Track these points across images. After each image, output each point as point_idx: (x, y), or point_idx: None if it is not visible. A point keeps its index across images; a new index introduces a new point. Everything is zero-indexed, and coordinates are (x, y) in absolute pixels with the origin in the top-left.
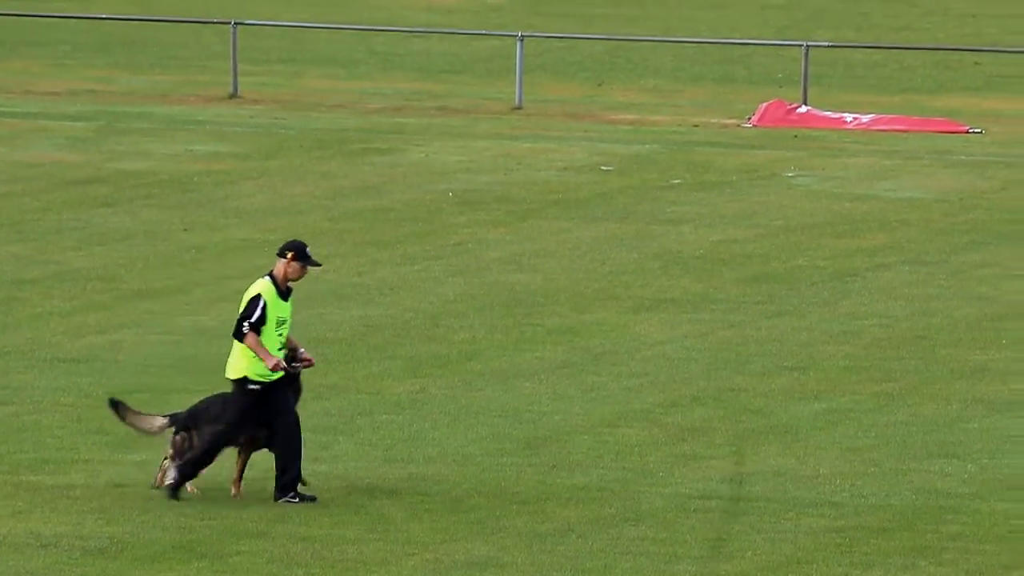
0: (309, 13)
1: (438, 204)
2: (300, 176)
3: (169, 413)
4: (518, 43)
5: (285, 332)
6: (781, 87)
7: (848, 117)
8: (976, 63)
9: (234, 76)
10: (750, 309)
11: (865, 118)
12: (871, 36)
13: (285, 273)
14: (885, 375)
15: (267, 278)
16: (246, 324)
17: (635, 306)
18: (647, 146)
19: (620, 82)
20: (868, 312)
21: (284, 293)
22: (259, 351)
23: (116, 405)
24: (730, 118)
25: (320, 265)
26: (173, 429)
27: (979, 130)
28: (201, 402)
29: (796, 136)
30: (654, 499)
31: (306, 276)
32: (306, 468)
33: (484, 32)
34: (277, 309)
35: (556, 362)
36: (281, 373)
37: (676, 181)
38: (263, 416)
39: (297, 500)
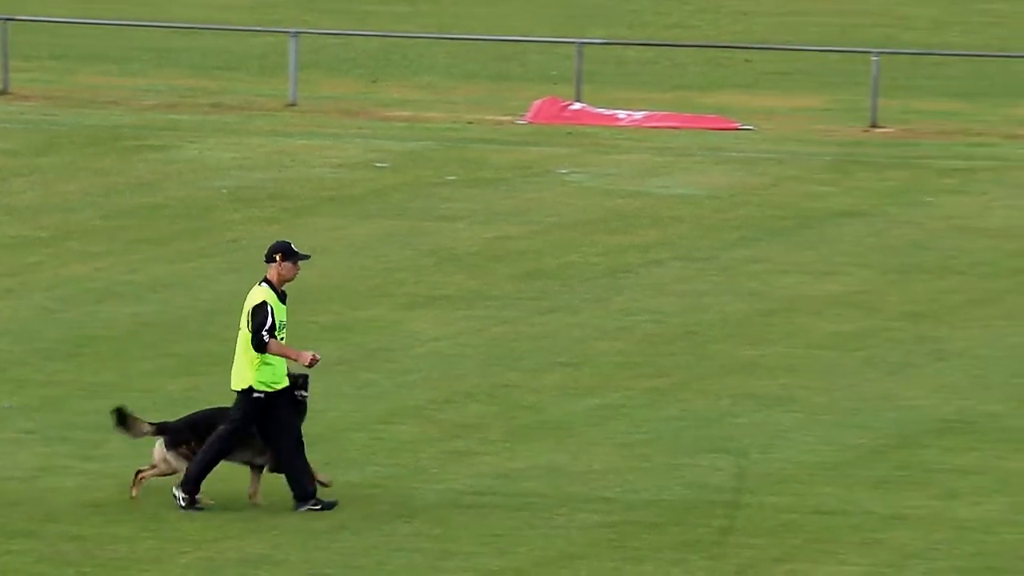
0: (81, 9)
1: (212, 201)
2: (73, 173)
3: (157, 422)
4: (292, 39)
5: (285, 335)
6: (555, 84)
7: (621, 114)
8: (747, 60)
9: (4, 72)
10: (524, 305)
11: (638, 115)
12: (643, 33)
13: (280, 275)
14: (657, 371)
15: (265, 285)
16: (265, 333)
17: (409, 303)
18: (421, 143)
19: (394, 79)
20: (640, 308)
21: (281, 296)
22: (288, 353)
23: (120, 414)
24: (504, 115)
25: (309, 257)
26: (163, 440)
27: (750, 127)
28: (196, 414)
29: (570, 133)
30: (427, 495)
31: (87, 272)
32: (78, 467)
33: (258, 28)
34: (279, 313)
35: (330, 359)
36: (286, 383)
37: (450, 178)
38: (267, 428)
39: (319, 507)
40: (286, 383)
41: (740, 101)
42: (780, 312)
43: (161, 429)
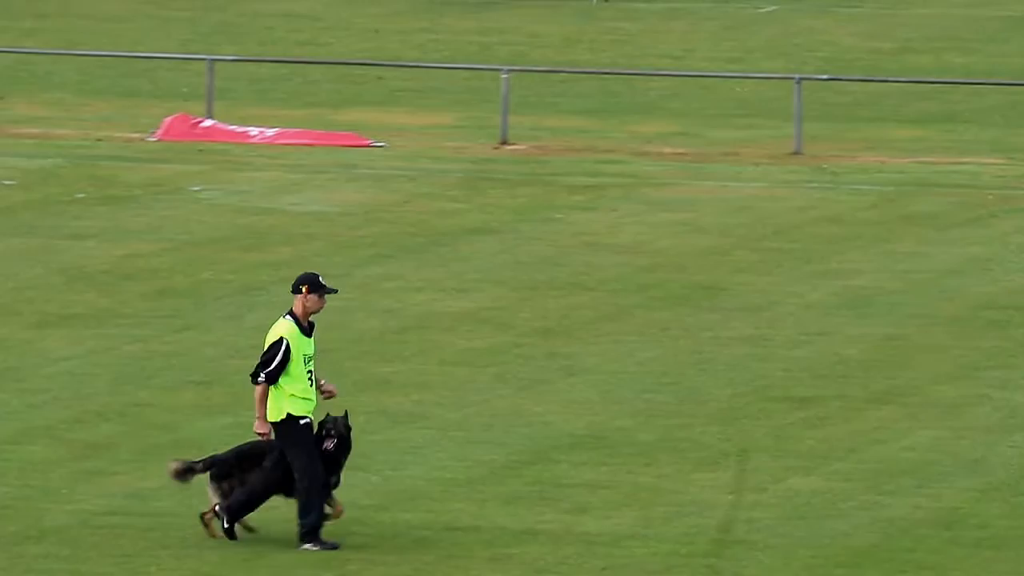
0: None
1: None
2: None
3: (193, 460)
4: None
5: (313, 367)
6: (187, 101)
7: (253, 131)
8: (379, 77)
9: None
10: (156, 324)
11: (270, 132)
12: (276, 50)
13: (305, 308)
14: None
15: (288, 318)
16: (263, 374)
17: (39, 322)
18: (51, 160)
19: (23, 96)
20: (271, 326)
21: (307, 329)
22: (259, 406)
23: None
24: (135, 132)
25: (336, 291)
26: (210, 474)
27: (382, 144)
28: (241, 447)
29: (201, 150)
30: (57, 516)
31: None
32: None
33: None
34: (302, 347)
35: None
36: (310, 413)
37: (80, 195)
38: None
39: (318, 548)
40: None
41: (372, 118)
42: (413, 329)
43: (210, 464)
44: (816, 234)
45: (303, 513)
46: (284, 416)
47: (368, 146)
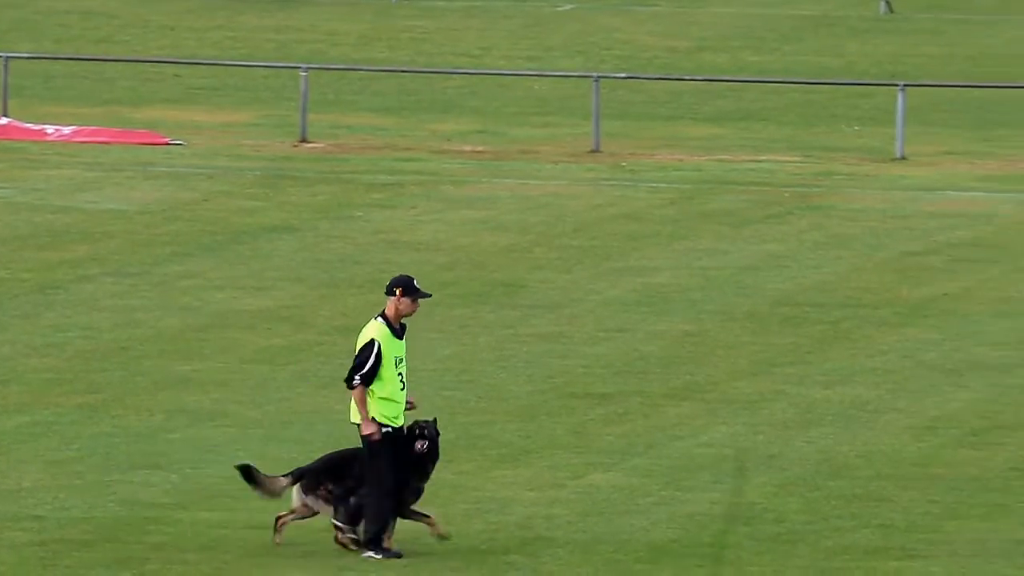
0: None
1: None
2: None
3: (291, 471)
4: None
5: (404, 370)
6: None
7: (49, 129)
8: (176, 75)
9: None
10: None
11: (67, 129)
12: (71, 48)
13: (397, 310)
14: (89, 387)
15: (379, 319)
16: (357, 376)
17: None
18: None
19: None
20: (71, 324)
21: (398, 331)
22: (361, 408)
23: (246, 471)
24: None
25: (430, 296)
26: (300, 485)
27: (180, 142)
28: (332, 454)
29: None
30: None
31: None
32: None
33: None
34: (393, 349)
35: None
36: (402, 422)
37: None
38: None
39: (381, 556)
40: (401, 422)
41: (170, 116)
42: (213, 327)
43: (298, 476)
44: (615, 231)
45: (370, 520)
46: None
47: (166, 144)
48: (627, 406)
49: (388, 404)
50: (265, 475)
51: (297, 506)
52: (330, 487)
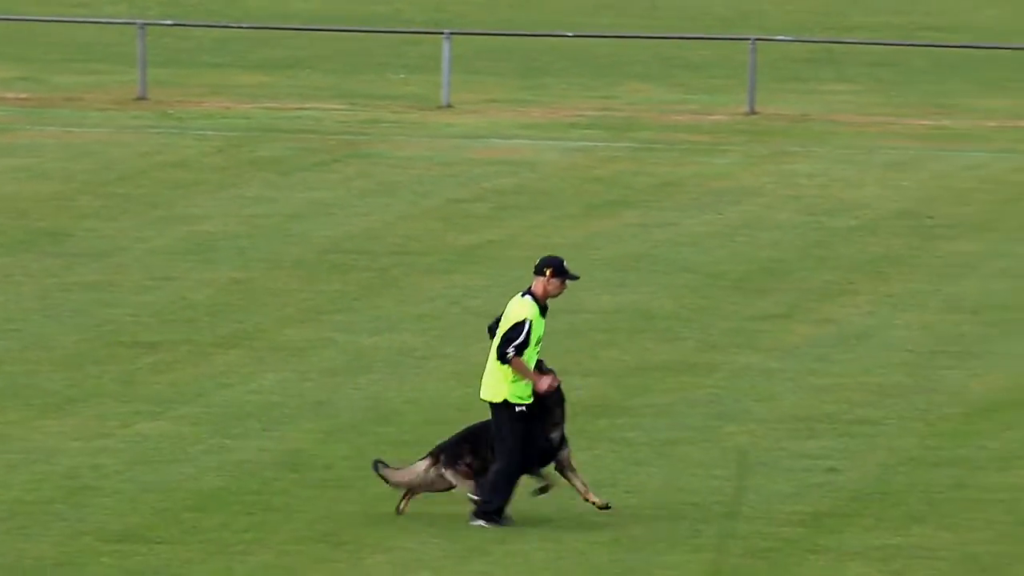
0: None
1: None
2: None
3: (426, 455)
4: None
5: (539, 349)
6: None
7: None
8: None
9: None
10: None
11: None
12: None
13: (545, 290)
14: None
15: (529, 298)
16: (512, 348)
17: None
18: None
19: None
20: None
21: (544, 311)
22: (527, 374)
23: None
24: None
25: (578, 278)
26: (440, 462)
27: None
28: (469, 428)
29: None
30: None
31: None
32: None
33: None
34: (539, 328)
35: None
36: (530, 399)
37: None
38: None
39: (491, 524)
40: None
41: None
42: None
43: (436, 453)
44: (162, 179)
45: (491, 492)
46: (501, 401)
47: None
48: (175, 354)
49: (520, 385)
50: (394, 468)
51: (434, 478)
52: (468, 460)
